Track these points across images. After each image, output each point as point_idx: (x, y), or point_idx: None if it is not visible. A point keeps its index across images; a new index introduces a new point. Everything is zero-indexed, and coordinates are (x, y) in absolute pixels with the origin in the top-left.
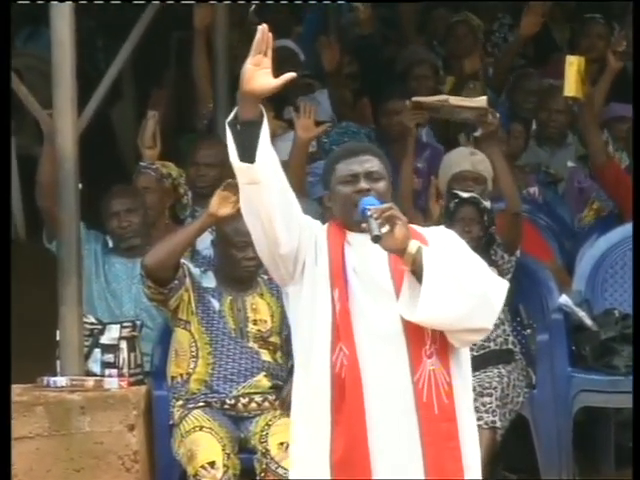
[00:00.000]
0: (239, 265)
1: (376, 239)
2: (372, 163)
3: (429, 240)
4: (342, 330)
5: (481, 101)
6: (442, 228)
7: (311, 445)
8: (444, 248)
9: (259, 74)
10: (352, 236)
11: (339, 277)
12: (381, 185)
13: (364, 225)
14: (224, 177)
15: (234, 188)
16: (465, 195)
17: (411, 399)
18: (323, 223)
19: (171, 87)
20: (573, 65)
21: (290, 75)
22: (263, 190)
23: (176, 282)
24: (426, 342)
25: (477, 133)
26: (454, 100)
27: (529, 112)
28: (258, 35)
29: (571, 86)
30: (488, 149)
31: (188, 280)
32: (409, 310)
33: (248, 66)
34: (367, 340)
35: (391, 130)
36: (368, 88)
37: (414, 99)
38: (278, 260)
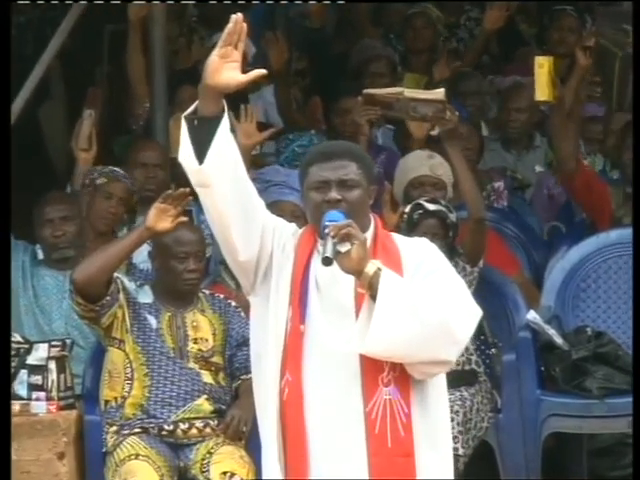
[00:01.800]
0: (180, 278)
1: (326, 261)
2: (347, 169)
3: (403, 253)
4: (290, 354)
5: (438, 93)
6: (423, 240)
7: (270, 474)
8: (420, 261)
9: (225, 67)
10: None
11: (296, 294)
12: (355, 194)
13: (320, 242)
14: (173, 179)
15: (174, 200)
16: (431, 207)
17: (361, 430)
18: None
19: (104, 85)
20: (543, 67)
21: (260, 72)
22: (215, 194)
23: (108, 298)
24: (384, 369)
25: (435, 132)
26: (409, 93)
27: (474, 114)
28: (230, 25)
29: (543, 90)
30: (447, 149)
31: (122, 295)
32: (361, 339)
33: (213, 57)
34: (317, 364)
35: (344, 131)
36: (319, 86)
37: (366, 91)
38: (238, 267)
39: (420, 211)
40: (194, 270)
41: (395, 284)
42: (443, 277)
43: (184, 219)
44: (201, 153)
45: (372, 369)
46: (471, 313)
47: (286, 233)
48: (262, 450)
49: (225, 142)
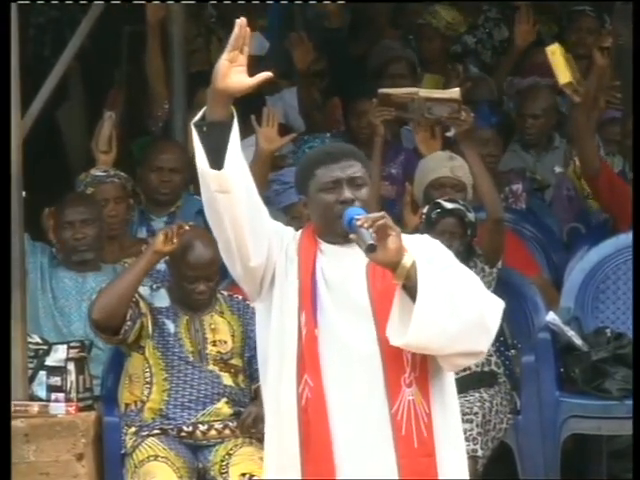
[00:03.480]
0: (190, 296)
1: (371, 249)
2: (355, 168)
3: (411, 250)
4: (307, 359)
5: (454, 92)
6: (426, 237)
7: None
8: (430, 259)
9: (234, 71)
10: (326, 246)
11: (307, 298)
12: (364, 192)
13: (352, 236)
14: (188, 182)
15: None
16: (449, 206)
17: (389, 432)
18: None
19: (123, 86)
20: (555, 53)
21: (266, 74)
22: (233, 199)
23: (129, 323)
24: (405, 369)
25: (451, 133)
26: (424, 92)
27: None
28: (236, 30)
29: (564, 74)
30: (464, 150)
31: (142, 304)
32: (399, 332)
33: (223, 62)
34: (338, 367)
35: (361, 133)
36: (337, 87)
37: (381, 91)
38: (248, 274)
39: (438, 210)
40: (202, 292)
41: (433, 275)
42: (460, 271)
43: (187, 229)
44: (215, 159)
45: (395, 370)
46: (497, 303)
47: (287, 237)
48: (267, 456)
49: (238, 146)
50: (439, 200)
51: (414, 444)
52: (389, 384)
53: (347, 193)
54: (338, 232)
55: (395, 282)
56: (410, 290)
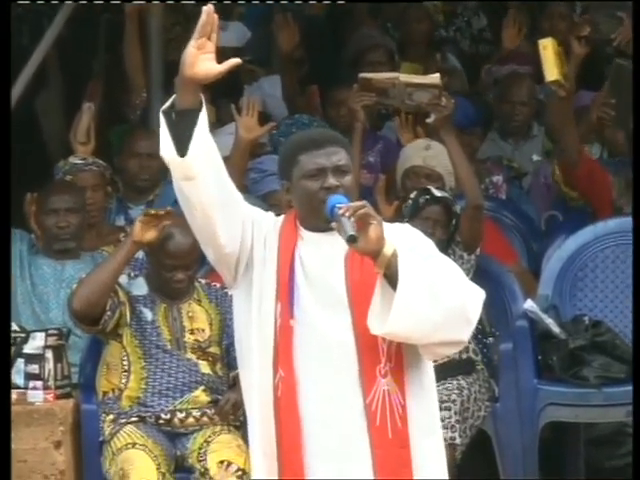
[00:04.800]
0: (168, 284)
1: (352, 239)
2: (339, 155)
3: (392, 239)
4: (281, 351)
5: (434, 78)
6: (407, 226)
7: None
8: (410, 248)
9: (202, 59)
10: (307, 234)
11: (284, 288)
12: (348, 179)
13: (334, 224)
14: (166, 169)
15: (153, 217)
16: (438, 194)
17: (363, 423)
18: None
19: (101, 77)
20: (547, 48)
21: (235, 61)
22: (199, 186)
23: (109, 313)
24: (381, 359)
25: (430, 119)
26: (405, 78)
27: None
28: (203, 17)
29: (552, 70)
30: (443, 137)
31: (121, 293)
32: (379, 321)
33: (190, 49)
34: (312, 358)
35: (339, 121)
36: (315, 75)
37: (362, 75)
38: (221, 260)
39: (427, 196)
40: (181, 280)
41: (414, 264)
42: (442, 261)
43: (168, 222)
44: (182, 146)
45: (370, 361)
46: (478, 293)
47: (266, 225)
48: (250, 447)
49: (206, 133)
50: (429, 187)
51: (388, 435)
52: (364, 375)
53: (331, 180)
54: (321, 219)
55: (376, 271)
56: (391, 279)
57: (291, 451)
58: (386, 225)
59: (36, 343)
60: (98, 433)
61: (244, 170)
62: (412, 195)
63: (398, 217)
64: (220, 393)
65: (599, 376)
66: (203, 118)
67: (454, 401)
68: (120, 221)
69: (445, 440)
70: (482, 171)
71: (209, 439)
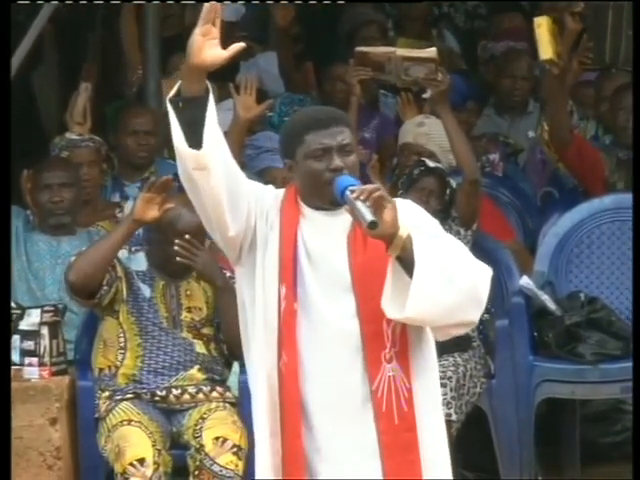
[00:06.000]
0: (171, 260)
1: (373, 225)
2: (344, 135)
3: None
4: (285, 334)
5: (431, 52)
6: (409, 202)
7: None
8: (416, 227)
9: (208, 45)
10: (309, 212)
11: (288, 270)
12: (352, 159)
13: (347, 208)
14: (162, 145)
15: (158, 188)
16: (431, 164)
17: (369, 409)
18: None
19: (97, 51)
20: (542, 26)
21: (240, 45)
22: (211, 175)
23: (105, 288)
24: (386, 345)
25: (426, 95)
26: (402, 52)
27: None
28: (206, 4)
29: (546, 49)
30: (439, 112)
31: (119, 268)
32: (395, 305)
33: (197, 36)
34: (316, 343)
35: (335, 97)
36: (311, 51)
37: (358, 49)
38: (227, 242)
39: (422, 168)
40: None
41: (428, 248)
42: (449, 240)
43: (171, 206)
44: (191, 135)
45: (374, 346)
46: (487, 272)
47: (267, 200)
48: (255, 425)
49: (215, 122)
50: (423, 159)
51: (395, 420)
52: (369, 361)
53: (337, 161)
54: (325, 200)
55: (389, 254)
56: (405, 262)
57: (292, 438)
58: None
59: (32, 320)
60: (94, 410)
61: (241, 148)
62: (406, 170)
63: (394, 193)
64: (215, 372)
65: (595, 353)
66: (212, 105)
67: (450, 378)
68: (115, 198)
69: None
70: (478, 149)
71: (204, 416)
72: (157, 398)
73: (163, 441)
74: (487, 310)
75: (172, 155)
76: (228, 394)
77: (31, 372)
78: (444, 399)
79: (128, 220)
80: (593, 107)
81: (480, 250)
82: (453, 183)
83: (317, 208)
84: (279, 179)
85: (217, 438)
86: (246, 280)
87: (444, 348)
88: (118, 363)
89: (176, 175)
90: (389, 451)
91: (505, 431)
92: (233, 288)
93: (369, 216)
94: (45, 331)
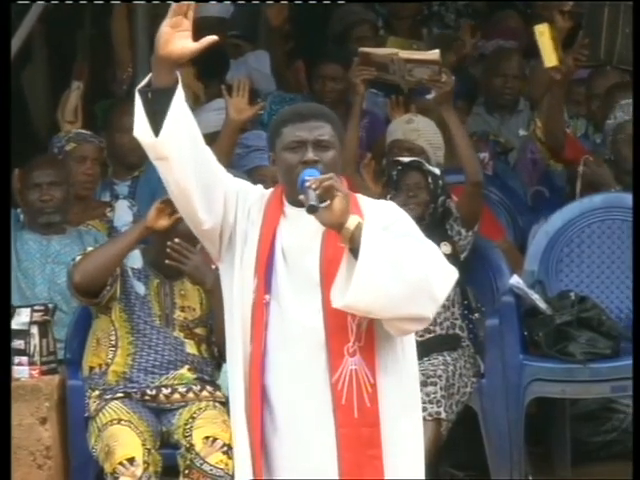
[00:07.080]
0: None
1: (311, 209)
2: (323, 130)
3: (366, 214)
4: (255, 325)
5: (434, 54)
6: (391, 204)
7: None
8: (387, 225)
9: (177, 37)
10: (290, 209)
11: (262, 264)
12: (329, 155)
13: (301, 197)
14: None
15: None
16: (406, 160)
17: (328, 401)
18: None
19: (87, 49)
20: (544, 34)
21: (211, 38)
22: (172, 166)
23: (108, 288)
24: (349, 338)
25: (430, 96)
26: (404, 54)
27: None
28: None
29: (550, 56)
30: (443, 113)
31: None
32: (340, 293)
33: (164, 28)
34: (281, 336)
35: (325, 97)
36: (301, 50)
37: (361, 50)
38: (203, 236)
39: (399, 167)
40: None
41: (377, 238)
42: (417, 240)
43: (180, 216)
44: (157, 126)
45: (337, 339)
46: (449, 272)
47: (251, 197)
48: (232, 419)
49: (181, 112)
50: (397, 158)
51: (354, 414)
52: (331, 353)
53: (310, 154)
54: (297, 192)
55: (341, 244)
56: (355, 253)
57: (254, 429)
58: (369, 201)
59: (21, 319)
60: (84, 409)
61: (232, 149)
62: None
63: (385, 193)
64: (205, 373)
65: (585, 352)
66: (179, 97)
67: (440, 376)
68: (105, 197)
69: (430, 415)
70: None
71: (194, 415)
72: (147, 397)
73: (153, 440)
74: (477, 309)
75: None
76: (218, 393)
77: (21, 371)
78: (434, 397)
79: (140, 226)
80: (584, 105)
81: (471, 250)
82: (436, 170)
83: (296, 205)
84: (269, 178)
85: (207, 437)
86: (226, 276)
87: (434, 347)
88: (109, 361)
89: None
90: (346, 444)
91: (495, 430)
92: None
93: (311, 201)
94: (35, 330)
